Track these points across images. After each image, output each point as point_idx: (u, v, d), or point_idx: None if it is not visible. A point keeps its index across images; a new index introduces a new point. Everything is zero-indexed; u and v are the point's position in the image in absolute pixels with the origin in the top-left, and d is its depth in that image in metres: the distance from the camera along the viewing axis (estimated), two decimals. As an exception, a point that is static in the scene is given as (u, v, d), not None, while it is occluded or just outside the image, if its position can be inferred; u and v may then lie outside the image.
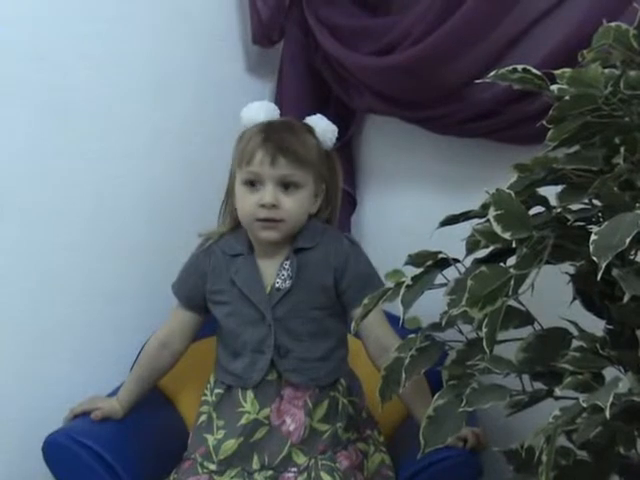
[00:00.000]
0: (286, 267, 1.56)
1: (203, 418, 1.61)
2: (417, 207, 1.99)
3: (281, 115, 1.65)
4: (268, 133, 1.53)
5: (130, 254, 1.86)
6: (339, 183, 1.65)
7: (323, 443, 1.54)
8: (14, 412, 1.64)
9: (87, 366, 1.79)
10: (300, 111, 1.87)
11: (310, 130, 1.59)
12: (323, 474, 1.49)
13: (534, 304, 1.11)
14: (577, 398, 0.90)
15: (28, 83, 1.59)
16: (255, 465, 1.52)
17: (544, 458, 0.84)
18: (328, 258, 1.57)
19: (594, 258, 0.84)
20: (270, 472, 1.52)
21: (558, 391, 0.94)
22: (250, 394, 1.55)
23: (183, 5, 1.94)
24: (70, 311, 1.74)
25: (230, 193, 1.61)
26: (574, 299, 1.17)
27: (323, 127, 1.61)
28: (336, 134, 1.63)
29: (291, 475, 1.51)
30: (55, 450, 1.52)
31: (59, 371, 1.73)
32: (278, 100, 2.08)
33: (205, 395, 1.64)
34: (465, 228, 1.12)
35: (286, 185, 1.52)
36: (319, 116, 1.63)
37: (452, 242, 1.12)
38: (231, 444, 1.53)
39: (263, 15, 2.00)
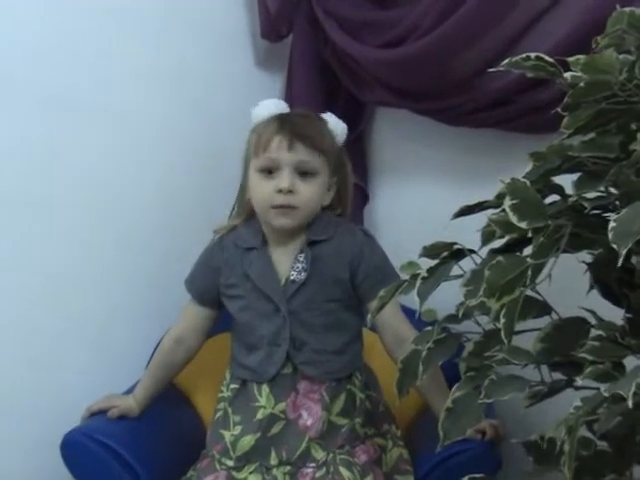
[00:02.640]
0: (300, 259, 1.55)
1: (219, 414, 1.60)
2: (429, 199, 1.99)
3: (291, 109, 1.64)
4: (284, 120, 1.53)
5: (142, 248, 1.87)
6: (349, 180, 1.64)
7: (341, 437, 1.54)
8: (31, 411, 1.65)
9: (103, 364, 1.79)
10: (310, 105, 1.87)
11: (322, 119, 1.59)
12: (342, 469, 1.48)
13: (551, 294, 1.10)
14: (596, 388, 0.89)
15: (38, 79, 1.59)
16: (273, 460, 1.52)
17: (566, 449, 0.83)
18: (343, 251, 1.56)
19: (613, 245, 0.83)
20: (289, 467, 1.51)
21: (579, 381, 0.93)
22: (265, 388, 1.54)
23: (191, 0, 1.94)
24: (85, 308, 1.74)
25: (244, 186, 1.61)
26: (591, 288, 1.16)
27: (333, 124, 1.61)
28: (346, 131, 1.63)
29: (310, 470, 1.51)
30: (72, 448, 1.53)
31: (75, 370, 1.73)
32: (288, 94, 2.08)
33: (221, 391, 1.63)
34: (477, 219, 1.11)
35: (302, 172, 1.51)
36: (328, 114, 1.63)
37: (464, 234, 1.11)
38: (248, 440, 1.52)
39: (271, 9, 1.99)
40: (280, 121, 1.53)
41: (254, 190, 1.55)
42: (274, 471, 1.51)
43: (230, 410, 1.58)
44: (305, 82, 2.03)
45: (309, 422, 1.53)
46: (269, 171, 1.52)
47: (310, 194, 1.52)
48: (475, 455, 1.43)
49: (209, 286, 1.63)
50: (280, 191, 1.50)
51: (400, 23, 1.77)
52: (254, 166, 1.54)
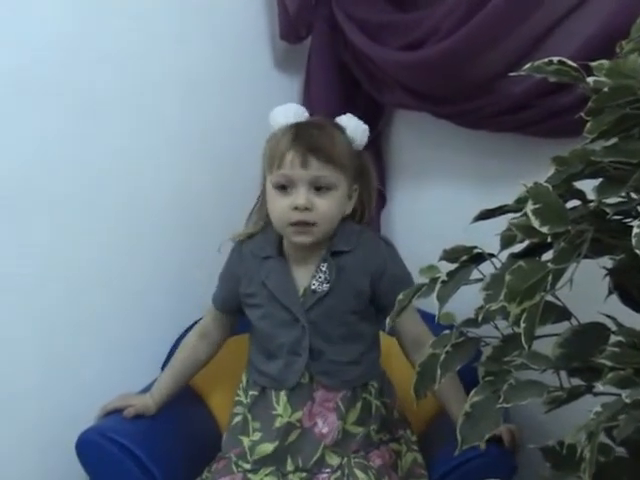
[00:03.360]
0: (323, 269, 1.54)
1: (238, 419, 1.61)
2: (447, 203, 1.98)
3: (309, 111, 1.63)
4: (297, 133, 1.50)
5: (161, 250, 1.87)
6: (372, 183, 1.62)
7: (356, 443, 1.54)
8: (47, 410, 1.65)
9: (119, 363, 1.80)
10: (328, 107, 1.87)
11: (340, 129, 1.56)
12: (357, 471, 1.48)
13: (570, 299, 1.09)
14: (615, 394, 0.89)
15: (58, 81, 1.60)
16: (289, 467, 1.52)
17: (586, 454, 0.83)
18: (366, 262, 1.55)
19: (637, 251, 0.82)
20: (304, 474, 1.51)
21: (601, 386, 0.92)
22: (283, 397, 1.54)
23: (210, 1, 1.94)
24: (102, 307, 1.75)
25: (263, 194, 1.60)
26: (610, 293, 1.15)
27: (353, 126, 1.58)
28: (367, 133, 1.61)
29: (325, 475, 1.51)
30: (88, 447, 1.54)
31: (91, 369, 1.73)
32: (306, 96, 2.08)
33: (238, 395, 1.63)
34: (494, 224, 1.10)
35: (318, 187, 1.49)
36: (349, 116, 1.60)
37: (481, 238, 1.10)
38: (267, 447, 1.53)
39: (291, 11, 1.99)
40: (294, 135, 1.50)
41: (271, 206, 1.54)
42: (290, 477, 1.51)
43: (250, 416, 1.58)
44: (323, 84, 2.03)
45: (325, 430, 1.53)
46: (284, 187, 1.50)
47: (327, 209, 1.50)
48: (490, 460, 1.43)
49: (230, 296, 1.64)
50: (296, 208, 1.48)
51: (420, 25, 1.76)
52: (270, 181, 1.52)
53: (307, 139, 1.49)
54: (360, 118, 1.61)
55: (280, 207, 1.50)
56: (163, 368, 1.74)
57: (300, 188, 1.48)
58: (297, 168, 1.47)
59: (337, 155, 1.50)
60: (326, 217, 1.51)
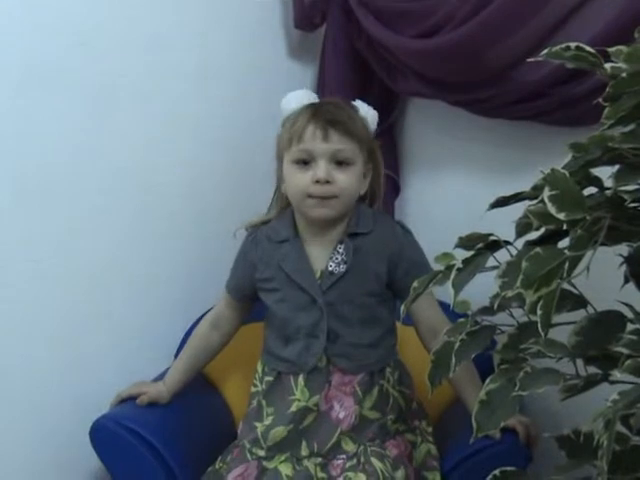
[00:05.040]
0: (340, 251, 1.54)
1: (253, 405, 1.60)
2: (461, 191, 1.97)
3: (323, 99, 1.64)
4: (316, 109, 1.52)
5: (174, 241, 1.87)
6: (381, 169, 1.62)
7: (372, 431, 1.54)
8: (62, 397, 1.65)
9: (133, 352, 1.80)
10: (342, 95, 1.86)
11: (354, 107, 1.58)
12: (374, 459, 1.48)
13: (586, 286, 1.09)
14: (632, 383, 0.88)
15: (71, 70, 1.59)
16: (304, 451, 1.52)
17: (604, 442, 0.82)
18: (383, 245, 1.55)
19: (655, 238, 0.82)
20: (319, 459, 1.51)
21: (618, 374, 0.91)
22: (301, 381, 1.53)
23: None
24: (115, 297, 1.75)
25: (278, 183, 1.61)
26: (626, 281, 1.14)
27: (364, 111, 1.59)
28: (376, 119, 1.62)
29: (340, 462, 1.51)
30: (102, 434, 1.54)
31: (106, 356, 1.74)
32: (320, 84, 2.08)
33: (255, 386, 1.63)
34: (508, 212, 1.10)
35: (339, 162, 1.49)
36: (359, 102, 1.61)
37: (495, 227, 1.10)
38: (280, 431, 1.52)
39: (305, -1, 1.98)
40: (312, 110, 1.51)
41: (289, 182, 1.53)
42: (305, 462, 1.51)
43: (264, 402, 1.58)
44: (338, 72, 2.02)
45: (341, 415, 1.52)
46: (304, 162, 1.50)
47: (348, 183, 1.51)
48: (505, 449, 1.42)
49: (245, 283, 1.64)
50: (317, 182, 1.48)
51: (435, 13, 1.75)
52: (288, 158, 1.52)
53: (326, 113, 1.50)
54: (374, 107, 1.62)
55: (300, 181, 1.50)
56: (176, 357, 1.74)
57: (320, 162, 1.48)
58: (318, 141, 1.48)
59: (356, 129, 1.52)
60: (346, 191, 1.51)
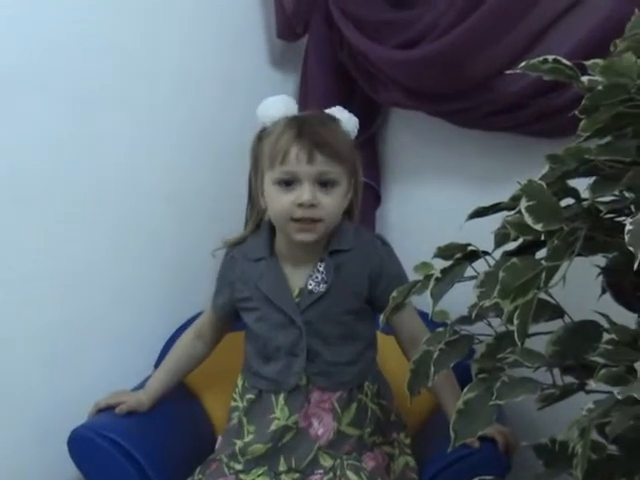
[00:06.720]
0: (321, 269, 1.52)
1: (233, 422, 1.59)
2: (442, 201, 1.98)
3: (305, 109, 1.63)
4: (301, 128, 1.45)
5: (158, 246, 1.87)
6: (360, 181, 1.59)
7: (349, 445, 1.53)
8: (40, 407, 1.64)
9: (114, 360, 1.79)
10: (324, 105, 1.85)
11: (337, 122, 1.53)
12: (349, 473, 1.47)
13: (563, 297, 1.10)
14: (608, 392, 0.89)
15: (51, 74, 1.58)
16: (282, 467, 1.51)
17: (579, 450, 0.83)
18: (364, 262, 1.53)
19: (630, 248, 0.82)
20: (297, 475, 1.50)
21: (593, 384, 0.92)
22: (281, 400, 1.52)
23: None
24: (97, 303, 1.74)
25: (253, 196, 1.58)
26: (603, 292, 1.15)
27: (346, 119, 1.55)
28: (357, 125, 1.58)
29: (317, 477, 1.50)
30: (79, 444, 1.53)
31: (86, 365, 1.73)
32: (302, 94, 2.08)
33: (235, 401, 1.61)
34: (488, 224, 1.11)
35: (323, 183, 1.45)
36: (339, 108, 1.57)
37: (475, 237, 1.11)
38: (259, 448, 1.52)
39: (288, 9, 1.99)
40: (296, 130, 1.45)
41: (271, 203, 1.49)
42: (282, 477, 1.50)
43: (245, 420, 1.57)
44: (320, 82, 2.02)
45: (320, 431, 1.52)
46: (287, 183, 1.46)
47: (332, 205, 1.47)
48: (484, 458, 1.43)
49: (226, 302, 1.63)
50: (301, 205, 1.44)
51: (417, 24, 1.76)
52: (270, 177, 1.47)
53: (312, 134, 1.44)
54: (356, 117, 1.60)
55: (283, 203, 1.46)
56: (157, 366, 1.74)
57: (305, 184, 1.44)
58: (303, 164, 1.43)
59: (341, 150, 1.47)
60: (331, 214, 1.48)
